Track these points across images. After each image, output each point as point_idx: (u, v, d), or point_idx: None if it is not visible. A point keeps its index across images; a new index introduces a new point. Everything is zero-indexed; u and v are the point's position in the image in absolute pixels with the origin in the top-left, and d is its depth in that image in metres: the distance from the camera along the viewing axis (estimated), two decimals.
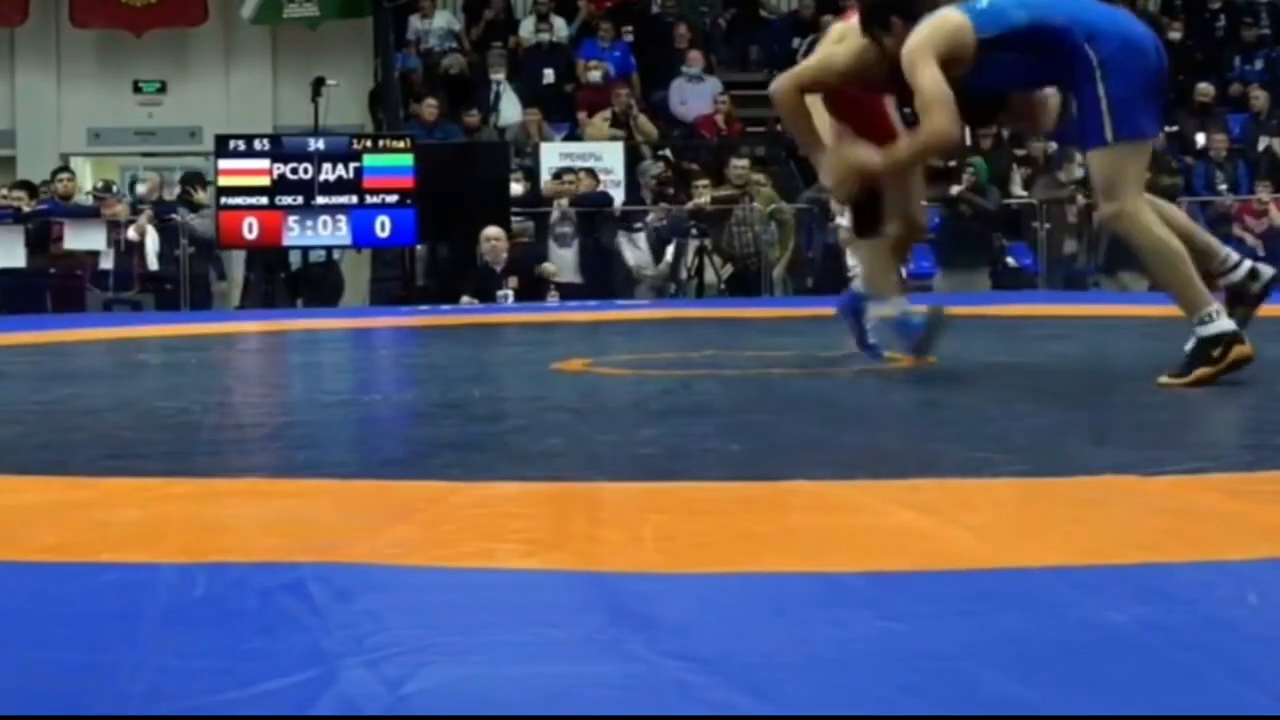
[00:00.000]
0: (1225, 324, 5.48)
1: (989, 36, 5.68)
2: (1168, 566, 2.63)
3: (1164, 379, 5.49)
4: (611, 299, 14.42)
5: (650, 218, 15.38)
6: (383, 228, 14.43)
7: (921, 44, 5.70)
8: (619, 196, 15.99)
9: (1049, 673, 2.02)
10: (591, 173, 15.79)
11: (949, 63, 5.65)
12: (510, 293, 14.04)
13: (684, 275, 15.20)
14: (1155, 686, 1.96)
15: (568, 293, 14.64)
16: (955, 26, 5.69)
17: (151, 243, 15.27)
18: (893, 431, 4.91)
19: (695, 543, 2.91)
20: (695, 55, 18.14)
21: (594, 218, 15.53)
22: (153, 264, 15.36)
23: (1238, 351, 5.44)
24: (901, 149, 6.01)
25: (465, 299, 13.97)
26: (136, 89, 19.79)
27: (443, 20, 18.90)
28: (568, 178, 15.57)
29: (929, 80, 5.63)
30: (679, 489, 3.56)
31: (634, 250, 15.41)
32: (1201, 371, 5.43)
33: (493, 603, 2.42)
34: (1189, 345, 5.51)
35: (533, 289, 14.40)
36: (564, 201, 15.25)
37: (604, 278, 15.33)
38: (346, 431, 5.11)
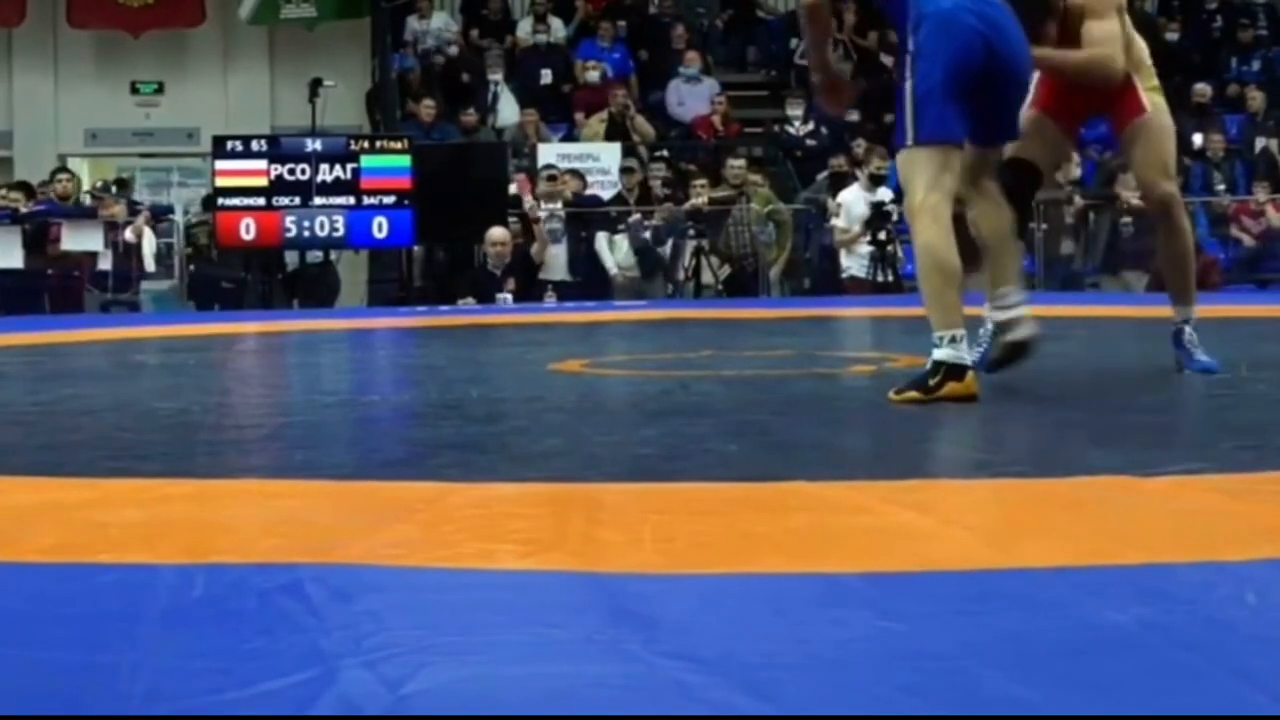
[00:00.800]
0: (959, 355, 5.25)
1: None
2: (1168, 567, 2.63)
3: (891, 394, 5.31)
4: (608, 299, 14.43)
5: (633, 219, 15.36)
6: (380, 228, 14.45)
7: None
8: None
9: (1049, 673, 2.02)
10: (577, 174, 15.78)
11: None
12: (509, 295, 14.05)
13: (681, 276, 15.20)
14: (1155, 686, 1.97)
15: (561, 292, 14.65)
16: None
17: (149, 244, 15.27)
18: (892, 432, 4.91)
19: (694, 543, 2.91)
20: (693, 56, 18.14)
21: (586, 219, 15.53)
22: (150, 265, 15.36)
23: (950, 389, 5.19)
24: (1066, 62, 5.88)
25: (463, 300, 13.98)
26: (134, 90, 19.79)
27: (440, 21, 18.91)
28: (553, 175, 15.54)
29: None
30: (678, 490, 3.56)
31: (614, 253, 15.40)
32: (911, 395, 5.24)
33: (492, 603, 2.42)
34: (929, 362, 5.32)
35: (530, 290, 14.41)
36: (557, 204, 15.23)
37: (598, 276, 15.33)
38: (345, 432, 5.11)
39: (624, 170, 15.92)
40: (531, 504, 3.37)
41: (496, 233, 14.17)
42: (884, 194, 14.86)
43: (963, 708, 1.89)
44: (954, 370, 5.22)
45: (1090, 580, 2.53)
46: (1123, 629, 2.22)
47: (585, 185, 15.74)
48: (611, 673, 2.04)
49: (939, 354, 5.25)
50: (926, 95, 5.33)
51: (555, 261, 14.99)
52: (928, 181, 5.33)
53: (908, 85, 5.36)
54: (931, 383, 5.22)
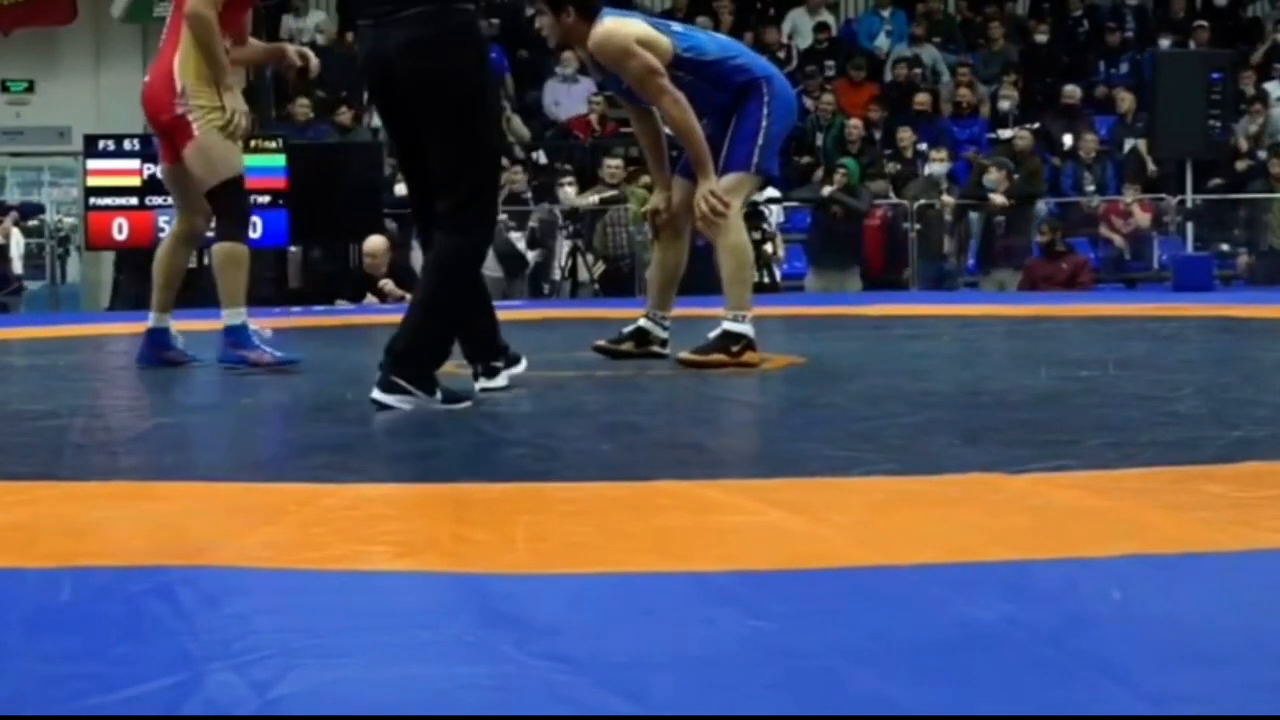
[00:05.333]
0: (750, 330, 6.51)
1: (685, 56, 6.54)
2: (1032, 564, 2.66)
3: (684, 355, 6.55)
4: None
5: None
6: (254, 229, 14.31)
7: (625, 36, 6.42)
8: None
9: (916, 670, 2.04)
10: None
11: None
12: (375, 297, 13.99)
13: (557, 275, 15.19)
14: (1021, 683, 1.99)
15: None
16: (659, 36, 6.51)
17: (17, 245, 15.08)
18: (763, 431, 4.94)
19: (566, 543, 2.92)
20: (569, 55, 18.11)
21: None
22: (17, 267, 15.16)
23: (750, 356, 6.49)
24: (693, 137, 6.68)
25: (340, 301, 13.90)
26: (4, 88, 19.52)
27: (316, 19, 18.79)
28: None
29: (647, 66, 6.40)
30: (550, 490, 3.57)
31: None
32: (718, 357, 6.45)
33: (362, 605, 2.42)
34: (715, 333, 6.53)
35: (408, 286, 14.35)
36: None
37: None
38: (216, 434, 5.07)
39: None
40: (403, 505, 3.37)
41: (373, 243, 14.08)
42: (766, 193, 14.93)
43: (831, 707, 1.90)
44: (752, 342, 6.52)
45: (957, 578, 2.55)
46: (989, 626, 2.24)
47: None
48: (482, 674, 2.04)
49: (738, 328, 6.49)
50: (776, 137, 6.72)
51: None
52: (742, 200, 6.76)
53: (764, 121, 6.61)
54: (734, 349, 6.47)
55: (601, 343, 6.99)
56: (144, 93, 6.95)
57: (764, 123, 6.62)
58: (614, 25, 6.47)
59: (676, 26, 6.83)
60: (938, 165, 15.99)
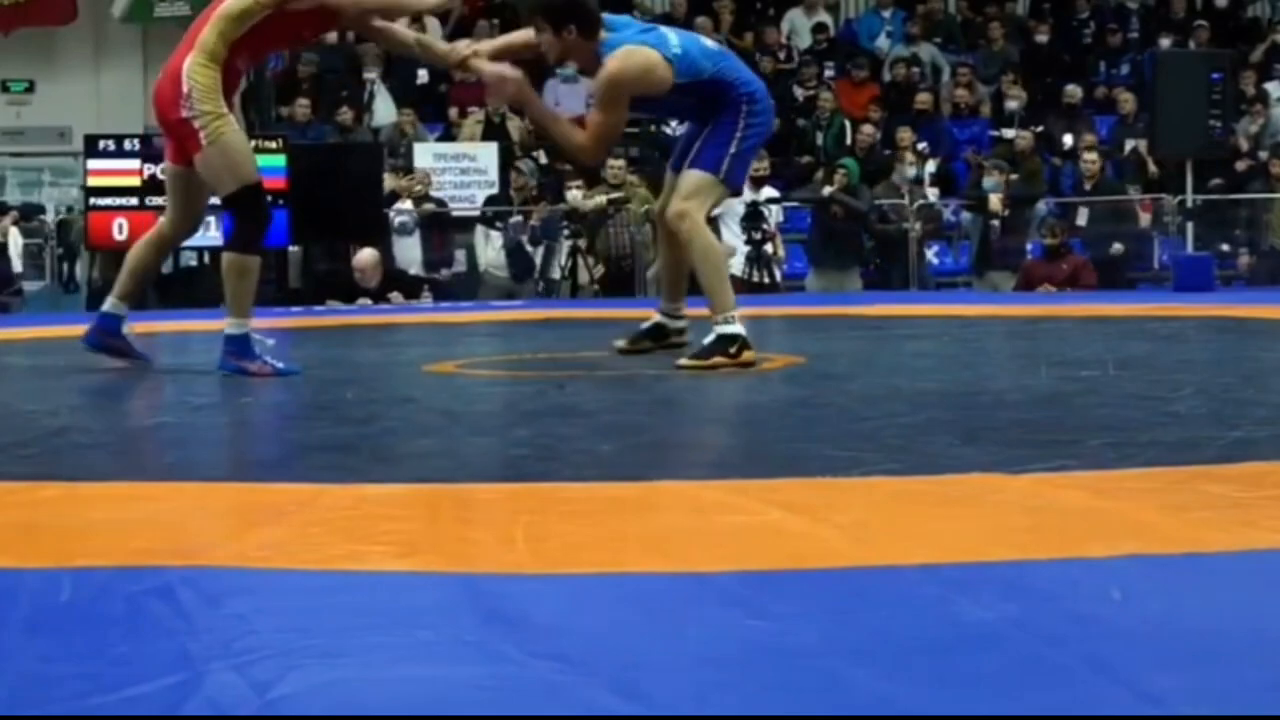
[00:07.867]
0: (741, 329, 6.45)
1: (683, 82, 6.53)
2: (1033, 564, 2.66)
3: (683, 361, 6.48)
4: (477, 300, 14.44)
5: (513, 220, 15.34)
6: None
7: (629, 82, 6.48)
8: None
9: (916, 670, 2.04)
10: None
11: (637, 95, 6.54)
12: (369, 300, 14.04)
13: (557, 276, 15.18)
14: (1021, 683, 1.99)
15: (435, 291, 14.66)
16: (663, 73, 6.49)
17: (15, 245, 15.07)
18: (764, 431, 4.93)
19: (566, 544, 2.92)
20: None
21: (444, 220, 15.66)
22: (16, 266, 15.15)
23: (748, 355, 6.43)
24: (556, 125, 7.07)
25: (331, 301, 13.91)
26: (4, 88, 19.53)
27: None
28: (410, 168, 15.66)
29: (616, 121, 6.63)
30: (550, 490, 3.56)
31: (488, 251, 15.39)
32: (718, 360, 6.37)
33: (362, 605, 2.41)
34: (709, 338, 6.47)
35: (409, 293, 14.37)
36: (410, 202, 15.34)
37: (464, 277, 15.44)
38: (216, 434, 5.07)
39: (513, 169, 15.85)
40: (403, 505, 3.36)
41: (363, 257, 14.07)
42: (766, 193, 14.93)
43: (831, 706, 1.90)
44: (747, 341, 6.44)
45: (957, 577, 2.55)
46: (989, 626, 2.24)
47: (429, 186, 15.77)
48: (482, 674, 2.04)
49: (731, 329, 6.42)
50: (748, 152, 6.76)
51: (407, 255, 15.05)
52: (708, 205, 6.70)
53: (738, 134, 6.57)
54: (732, 350, 6.39)
55: (621, 343, 7.00)
56: (155, 89, 6.83)
57: (738, 134, 6.60)
58: (621, 65, 6.43)
59: (674, 43, 6.63)
60: (905, 168, 16.01)
